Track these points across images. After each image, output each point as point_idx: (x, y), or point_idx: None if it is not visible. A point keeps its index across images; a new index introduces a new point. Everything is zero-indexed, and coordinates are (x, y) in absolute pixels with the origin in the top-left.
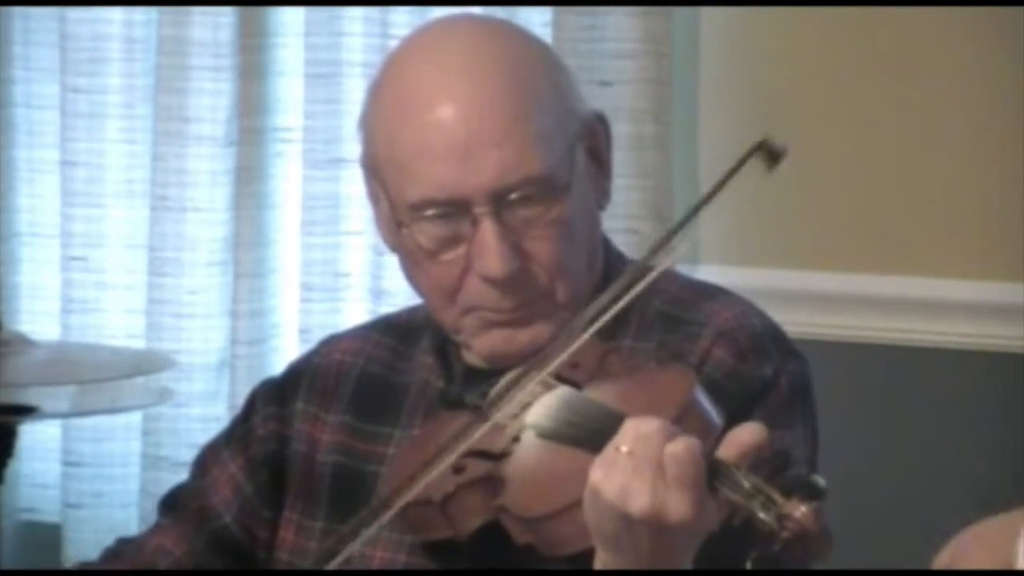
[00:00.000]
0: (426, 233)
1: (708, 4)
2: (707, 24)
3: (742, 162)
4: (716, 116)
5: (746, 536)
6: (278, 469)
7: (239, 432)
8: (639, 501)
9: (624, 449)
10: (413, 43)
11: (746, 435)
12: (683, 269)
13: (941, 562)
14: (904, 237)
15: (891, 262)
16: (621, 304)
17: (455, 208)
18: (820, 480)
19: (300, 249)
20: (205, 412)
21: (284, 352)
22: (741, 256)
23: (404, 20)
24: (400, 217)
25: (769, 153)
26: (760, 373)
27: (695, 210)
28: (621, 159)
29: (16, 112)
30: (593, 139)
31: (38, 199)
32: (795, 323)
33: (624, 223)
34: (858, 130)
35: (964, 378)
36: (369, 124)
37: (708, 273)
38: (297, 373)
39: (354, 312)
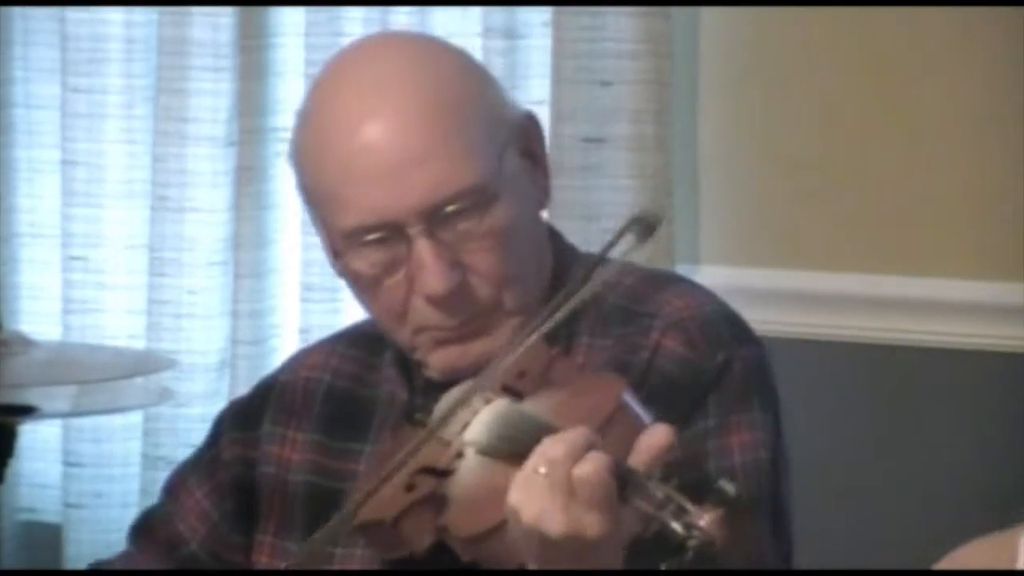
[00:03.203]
0: (365, 259)
1: (708, 4)
2: (707, 24)
3: (620, 234)
4: (716, 116)
5: (658, 546)
6: (247, 493)
7: (206, 457)
8: (555, 525)
9: (542, 471)
10: (332, 70)
11: (657, 437)
12: (684, 270)
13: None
14: (903, 237)
15: (890, 262)
16: (557, 316)
17: (389, 231)
18: (729, 485)
19: (300, 249)
20: (205, 412)
21: (284, 352)
22: (741, 256)
23: (404, 20)
24: (336, 247)
25: (644, 226)
26: (712, 361)
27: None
28: (621, 159)
29: (16, 112)
30: (526, 140)
31: (38, 199)
32: (794, 323)
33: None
34: (857, 130)
35: (963, 378)
36: (298, 156)
37: (708, 273)
38: (263, 393)
39: (354, 312)
